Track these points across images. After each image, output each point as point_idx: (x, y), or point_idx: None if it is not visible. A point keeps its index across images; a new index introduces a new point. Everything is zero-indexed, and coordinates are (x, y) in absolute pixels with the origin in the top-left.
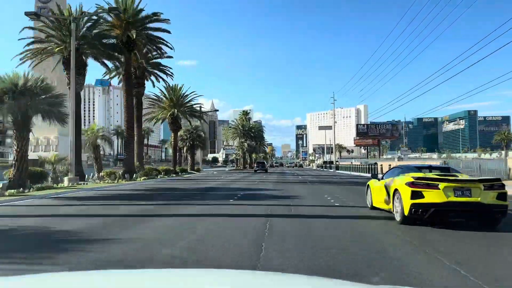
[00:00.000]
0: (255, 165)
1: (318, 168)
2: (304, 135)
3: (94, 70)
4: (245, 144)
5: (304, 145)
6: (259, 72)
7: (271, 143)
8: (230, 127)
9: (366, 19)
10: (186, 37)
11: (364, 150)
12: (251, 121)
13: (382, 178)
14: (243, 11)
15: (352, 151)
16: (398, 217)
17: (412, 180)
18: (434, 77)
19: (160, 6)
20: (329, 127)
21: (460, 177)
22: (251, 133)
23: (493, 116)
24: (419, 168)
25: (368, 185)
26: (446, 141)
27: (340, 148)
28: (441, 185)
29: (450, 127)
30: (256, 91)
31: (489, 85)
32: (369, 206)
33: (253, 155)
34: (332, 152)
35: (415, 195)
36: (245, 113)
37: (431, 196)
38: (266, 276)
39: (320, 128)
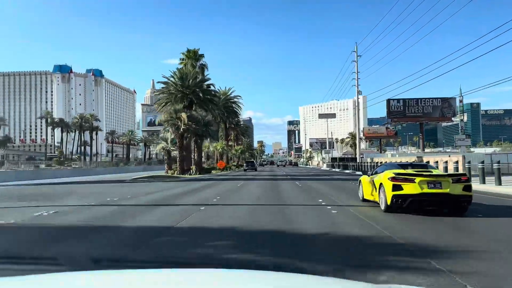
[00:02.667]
0: (245, 165)
1: (336, 171)
2: (297, 131)
3: (53, 52)
4: (183, 115)
5: (297, 141)
6: (249, 69)
7: (262, 141)
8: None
9: (357, 13)
10: (177, 35)
11: (370, 143)
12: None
13: (372, 175)
14: (235, 10)
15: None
16: (382, 206)
17: (393, 175)
18: (431, 69)
19: (154, 5)
20: (332, 115)
21: (434, 172)
22: (200, 93)
23: (495, 109)
24: (401, 166)
25: (360, 180)
26: (445, 136)
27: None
28: (417, 179)
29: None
30: (246, 89)
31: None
32: (361, 198)
33: (210, 146)
34: (333, 147)
35: (395, 187)
36: (192, 54)
37: (409, 189)
38: (268, 275)
39: (321, 116)
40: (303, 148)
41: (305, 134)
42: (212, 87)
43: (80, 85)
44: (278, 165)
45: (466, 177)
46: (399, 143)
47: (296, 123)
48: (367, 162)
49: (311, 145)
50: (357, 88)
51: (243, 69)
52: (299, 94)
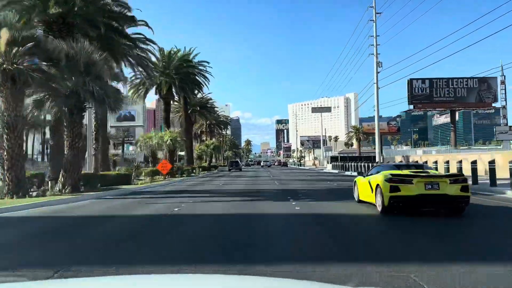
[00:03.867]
0: (229, 165)
1: (355, 175)
2: (285, 130)
3: None
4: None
5: (286, 140)
6: (237, 69)
7: (248, 139)
8: None
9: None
10: (164, 31)
11: (367, 141)
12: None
13: (368, 175)
14: (224, 6)
15: (352, 144)
16: (379, 208)
17: (390, 176)
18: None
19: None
20: (327, 109)
21: (431, 173)
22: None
23: (486, 108)
24: (397, 166)
25: (355, 181)
26: (436, 135)
27: (356, 138)
28: (414, 180)
29: (441, 120)
30: (234, 88)
31: None
32: (356, 200)
33: (154, 138)
34: (326, 144)
35: (393, 189)
36: None
37: (406, 190)
38: (258, 281)
39: (314, 110)
40: (292, 147)
41: (296, 131)
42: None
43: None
44: (262, 165)
45: (463, 178)
46: (397, 141)
47: (285, 122)
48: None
49: (302, 143)
50: (376, 58)
51: (230, 69)
52: (288, 92)
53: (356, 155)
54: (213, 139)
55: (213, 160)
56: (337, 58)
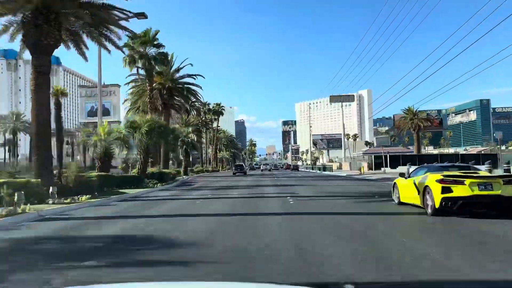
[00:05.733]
0: (234, 168)
1: None
2: (292, 132)
3: None
4: None
5: (293, 142)
6: (242, 72)
7: (251, 139)
8: None
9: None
10: (168, 35)
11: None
12: None
13: (409, 177)
14: (226, 10)
15: (373, 144)
16: (429, 210)
17: (442, 177)
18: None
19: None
20: (349, 98)
21: (481, 173)
22: None
23: (503, 107)
24: (443, 167)
25: (395, 183)
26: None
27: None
28: (467, 181)
29: (457, 119)
30: (239, 92)
31: None
32: (396, 202)
33: None
34: (343, 145)
35: (445, 190)
36: None
37: (459, 191)
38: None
39: (332, 99)
40: (301, 149)
41: (310, 126)
42: None
43: (31, 74)
44: (262, 170)
45: None
46: (428, 139)
47: (292, 123)
48: None
49: (314, 143)
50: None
51: (234, 70)
52: (293, 95)
53: (408, 154)
54: (153, 115)
55: (189, 159)
56: (350, 54)
